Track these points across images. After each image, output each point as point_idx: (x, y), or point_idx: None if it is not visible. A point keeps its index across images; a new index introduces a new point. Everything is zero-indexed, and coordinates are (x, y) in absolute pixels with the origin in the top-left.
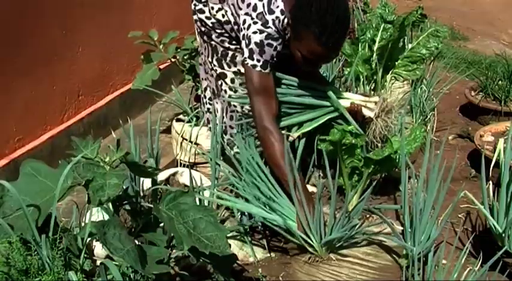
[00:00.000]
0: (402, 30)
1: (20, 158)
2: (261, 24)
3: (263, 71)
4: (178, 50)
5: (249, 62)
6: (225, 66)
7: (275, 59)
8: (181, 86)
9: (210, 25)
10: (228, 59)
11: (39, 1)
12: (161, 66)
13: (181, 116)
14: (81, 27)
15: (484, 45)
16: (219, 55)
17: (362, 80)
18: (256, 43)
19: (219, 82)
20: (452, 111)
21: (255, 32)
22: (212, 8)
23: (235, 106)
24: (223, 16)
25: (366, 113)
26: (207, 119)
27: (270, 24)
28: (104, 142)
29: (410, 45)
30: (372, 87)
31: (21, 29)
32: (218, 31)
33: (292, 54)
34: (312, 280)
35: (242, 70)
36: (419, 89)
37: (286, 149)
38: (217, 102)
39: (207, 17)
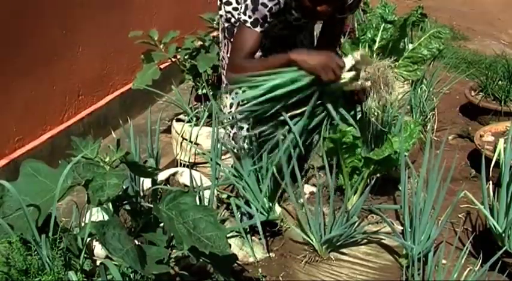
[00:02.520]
0: (403, 30)
1: (20, 158)
2: None
3: (252, 28)
4: (179, 49)
5: (242, 16)
6: None
7: (268, 20)
8: (182, 86)
9: (237, 17)
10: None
11: (39, 1)
12: (161, 66)
13: (181, 116)
14: (81, 27)
15: (484, 45)
16: None
17: None
18: (251, 0)
19: None
20: (452, 111)
21: None
22: None
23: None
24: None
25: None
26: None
27: None
28: (104, 142)
29: (410, 45)
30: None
31: (21, 29)
32: None
33: (304, 14)
34: (312, 280)
35: None
36: (419, 89)
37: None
38: (226, 97)
39: (234, 8)
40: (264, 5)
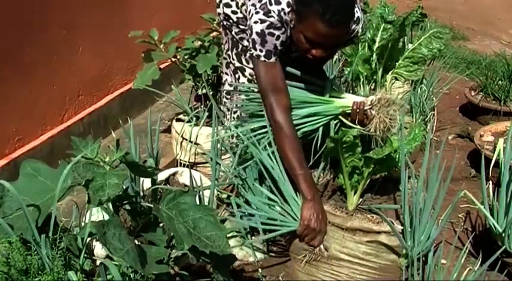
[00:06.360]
0: (403, 30)
1: (20, 158)
2: (263, 14)
3: (267, 60)
4: (179, 49)
5: (253, 52)
6: (244, 62)
7: (279, 48)
8: (182, 86)
9: (235, 20)
10: (248, 55)
11: (39, 1)
12: (161, 66)
13: (181, 116)
14: (81, 27)
15: (484, 45)
16: (239, 50)
17: (362, 80)
18: (257, 33)
19: (237, 75)
20: (452, 111)
21: (256, 22)
22: (238, 3)
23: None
24: (245, 11)
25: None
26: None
27: (273, 13)
28: (104, 142)
29: (410, 45)
30: (372, 87)
31: (21, 29)
32: (241, 27)
33: (298, 48)
34: (312, 279)
35: None
36: (419, 89)
37: (297, 143)
38: (228, 98)
39: (233, 12)
40: (271, 34)
